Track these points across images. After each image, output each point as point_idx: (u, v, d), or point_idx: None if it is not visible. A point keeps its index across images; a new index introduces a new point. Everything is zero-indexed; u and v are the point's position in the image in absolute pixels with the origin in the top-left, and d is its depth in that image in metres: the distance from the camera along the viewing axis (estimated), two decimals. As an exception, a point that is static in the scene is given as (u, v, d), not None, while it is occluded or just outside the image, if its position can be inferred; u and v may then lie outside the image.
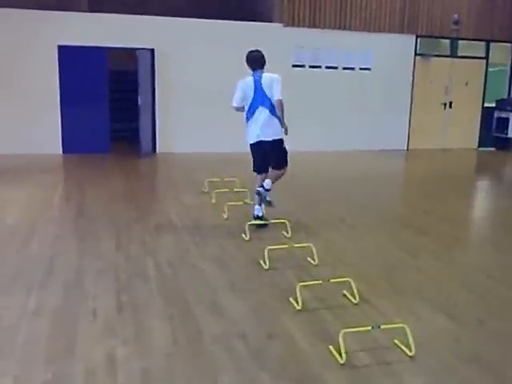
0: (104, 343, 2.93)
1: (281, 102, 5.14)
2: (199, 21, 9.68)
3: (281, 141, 5.29)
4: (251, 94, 5.19)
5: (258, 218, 5.32)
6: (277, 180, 5.40)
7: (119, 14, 9.29)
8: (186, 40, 9.70)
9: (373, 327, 3.01)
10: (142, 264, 4.16)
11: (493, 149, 11.85)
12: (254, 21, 10.08)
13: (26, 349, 2.86)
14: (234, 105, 5.32)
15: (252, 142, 5.33)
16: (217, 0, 11.08)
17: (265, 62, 5.30)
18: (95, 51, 9.25)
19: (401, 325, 3.03)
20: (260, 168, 5.43)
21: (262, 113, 5.19)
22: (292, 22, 10.11)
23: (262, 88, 5.17)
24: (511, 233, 5.62)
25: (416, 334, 3.00)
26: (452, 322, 3.41)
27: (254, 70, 5.26)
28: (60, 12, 9.05)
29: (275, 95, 5.14)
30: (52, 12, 9.00)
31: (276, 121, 5.22)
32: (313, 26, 10.23)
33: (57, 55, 9.15)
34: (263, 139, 5.24)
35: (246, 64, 5.32)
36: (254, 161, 5.45)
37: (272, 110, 5.19)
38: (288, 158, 5.39)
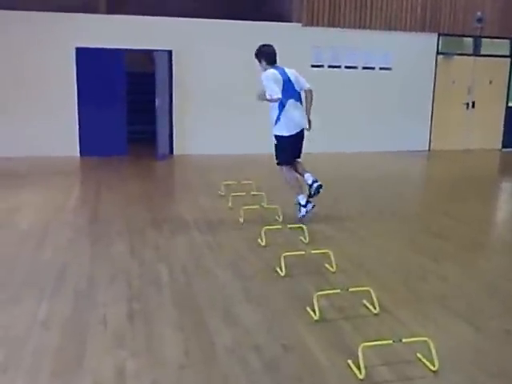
0: (113, 355, 2.84)
1: (311, 91, 5.46)
2: (217, 21, 9.60)
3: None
4: (281, 86, 5.25)
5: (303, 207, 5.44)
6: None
7: (136, 16, 9.25)
8: (204, 41, 9.62)
9: (394, 341, 2.86)
10: (156, 270, 4.07)
11: (517, 149, 11.56)
12: (273, 21, 9.96)
13: (34, 361, 2.77)
14: (279, 95, 5.21)
15: (290, 133, 5.41)
16: (235, 1, 10.98)
17: (277, 54, 5.47)
18: (113, 53, 9.23)
19: (424, 338, 2.87)
20: (292, 158, 5.57)
21: (296, 104, 5.38)
22: (311, 21, 9.97)
23: (290, 81, 5.33)
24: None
25: (439, 347, 2.85)
26: (477, 333, 3.24)
27: (272, 64, 5.39)
28: (78, 14, 9.04)
29: (306, 85, 5.43)
30: (70, 14, 9.00)
31: (304, 110, 5.47)
32: (332, 25, 10.07)
33: (75, 57, 9.15)
34: (303, 128, 5.46)
35: (257, 59, 5.45)
36: (285, 153, 5.49)
37: (301, 101, 5.45)
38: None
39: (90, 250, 4.49)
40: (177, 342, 3.00)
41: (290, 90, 5.30)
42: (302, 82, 5.42)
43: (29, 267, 4.08)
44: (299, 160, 5.62)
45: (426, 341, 2.85)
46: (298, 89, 5.38)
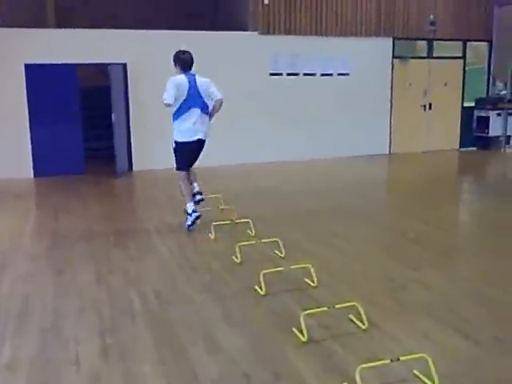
0: (89, 399, 2.58)
1: (222, 101, 5.46)
2: (172, 32, 9.35)
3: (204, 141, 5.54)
4: (185, 93, 5.31)
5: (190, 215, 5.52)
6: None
7: (88, 29, 8.91)
8: (159, 53, 9.31)
9: (392, 360, 2.71)
10: (127, 297, 3.80)
11: (474, 148, 11.75)
12: (230, 30, 9.81)
13: (-1, 413, 2.49)
14: (168, 102, 5.35)
15: (185, 140, 5.44)
16: (190, 11, 10.79)
17: (193, 62, 5.52)
18: (64, 68, 8.84)
19: (421, 355, 2.73)
20: (188, 166, 5.66)
21: (197, 112, 5.38)
22: (267, 29, 9.86)
23: (197, 90, 5.36)
24: (505, 235, 5.42)
25: (434, 361, 2.71)
26: (468, 342, 3.15)
27: (185, 70, 5.45)
28: (26, 29, 8.63)
29: (217, 95, 5.44)
30: (17, 29, 8.58)
31: (208, 120, 5.50)
32: (289, 33, 9.99)
33: (24, 74, 8.72)
34: (200, 137, 5.44)
35: (174, 63, 5.55)
36: (180, 159, 5.58)
37: (205, 110, 5.45)
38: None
39: (52, 281, 4.16)
40: (157, 378, 2.76)
41: (194, 98, 5.35)
42: (212, 92, 5.43)
43: (-14, 304, 3.74)
44: (192, 168, 5.73)
45: (423, 357, 2.72)
46: (206, 99, 5.42)
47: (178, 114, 5.41)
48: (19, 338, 3.21)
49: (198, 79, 5.43)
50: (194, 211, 5.55)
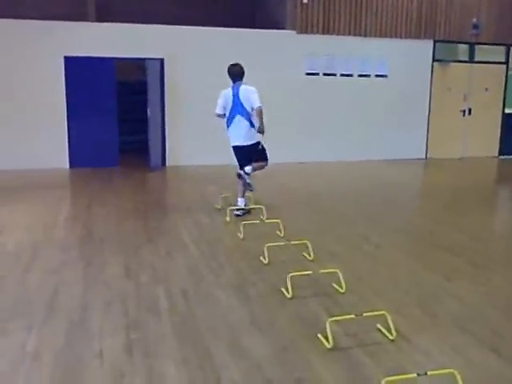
0: (111, 395, 2.58)
1: (260, 109, 5.80)
2: (210, 29, 9.38)
3: (256, 144, 6.05)
4: (229, 103, 5.94)
5: (239, 209, 6.05)
6: (258, 169, 6.17)
7: (127, 24, 9.01)
8: (197, 49, 9.39)
9: (419, 374, 2.63)
10: (153, 294, 3.80)
11: (514, 156, 11.43)
12: (267, 28, 9.77)
13: (23, 403, 2.51)
14: (216, 112, 6.06)
15: (233, 144, 6.09)
16: (229, 8, 10.79)
17: (243, 74, 5.97)
18: (103, 62, 8.97)
19: (449, 370, 2.64)
20: (240, 165, 6.11)
21: (239, 120, 5.92)
22: (305, 28, 9.78)
23: (238, 97, 5.87)
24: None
25: (463, 377, 2.62)
26: (500, 359, 3.02)
27: (233, 81, 5.98)
28: (66, 22, 8.78)
29: (254, 103, 5.79)
30: (58, 22, 8.74)
31: (249, 127, 5.94)
32: (327, 32, 9.89)
33: (63, 66, 8.87)
34: (241, 144, 6.00)
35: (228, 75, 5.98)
36: (236, 159, 6.14)
37: (248, 118, 5.91)
38: (267, 155, 6.17)
39: (82, 273, 4.21)
40: (180, 379, 2.74)
41: (237, 107, 5.91)
42: (251, 100, 5.81)
43: (17, 294, 3.79)
44: (261, 163, 6.16)
45: (452, 372, 2.63)
46: (246, 106, 5.86)
47: (227, 121, 6.06)
48: (46, 328, 3.25)
49: (241, 88, 5.88)
50: (240, 209, 6.11)
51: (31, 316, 3.41)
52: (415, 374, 2.63)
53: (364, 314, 3.25)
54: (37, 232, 5.33)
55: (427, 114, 10.89)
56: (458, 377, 2.59)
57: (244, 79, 6.00)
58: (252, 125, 5.94)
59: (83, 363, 2.86)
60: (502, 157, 11.43)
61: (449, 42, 10.76)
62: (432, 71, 10.76)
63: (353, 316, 3.24)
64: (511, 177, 9.88)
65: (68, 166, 9.12)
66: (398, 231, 5.69)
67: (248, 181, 6.07)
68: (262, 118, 5.83)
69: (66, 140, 9.08)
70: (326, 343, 3.09)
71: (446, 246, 5.18)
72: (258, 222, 5.52)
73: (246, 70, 6.04)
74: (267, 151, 6.19)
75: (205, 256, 4.70)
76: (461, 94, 11.04)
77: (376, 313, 3.28)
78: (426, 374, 2.63)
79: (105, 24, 9.01)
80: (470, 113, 11.15)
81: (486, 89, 11.14)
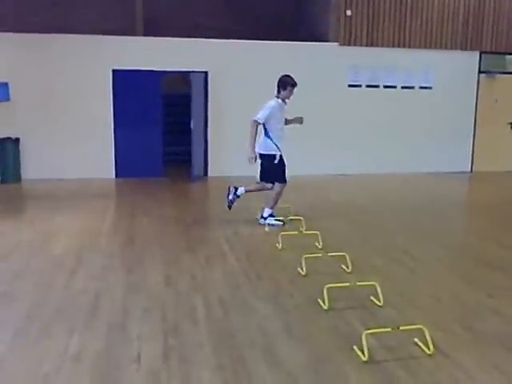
0: (147, 398, 2.64)
1: (251, 123, 6.04)
2: (253, 42, 9.51)
3: (268, 156, 6.09)
4: None
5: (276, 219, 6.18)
6: (271, 200, 6.19)
7: (172, 38, 9.25)
8: (240, 62, 9.53)
9: (455, 390, 2.58)
10: (192, 302, 3.86)
11: None
12: (310, 41, 9.82)
13: (63, 403, 2.60)
14: None
15: None
16: (271, 21, 10.91)
17: (278, 86, 6.09)
18: (149, 75, 9.22)
19: (488, 387, 2.58)
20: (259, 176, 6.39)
21: (261, 129, 6.14)
22: (348, 40, 9.78)
23: None
24: None
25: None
26: (545, 380, 2.91)
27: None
28: (115, 37, 9.09)
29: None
30: (108, 37, 9.06)
31: (264, 137, 6.10)
32: (370, 44, 9.86)
33: (111, 79, 9.18)
34: (257, 151, 6.12)
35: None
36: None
37: (264, 128, 6.09)
38: (279, 176, 6.14)
39: (124, 279, 4.33)
40: (215, 385, 2.78)
41: None
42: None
43: (61, 298, 3.93)
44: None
45: (491, 391, 2.56)
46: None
47: None
48: (87, 332, 3.35)
49: None
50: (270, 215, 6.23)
51: (73, 320, 3.53)
52: (452, 391, 2.58)
53: (401, 328, 3.21)
54: (82, 239, 5.51)
55: (473, 127, 10.65)
56: (498, 395, 2.53)
57: (278, 93, 6.10)
58: (267, 135, 6.05)
59: (121, 367, 2.94)
60: (552, 171, 11.02)
61: (496, 53, 10.51)
62: (478, 83, 10.53)
63: (389, 329, 3.20)
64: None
65: (114, 176, 9.38)
66: (441, 246, 5.57)
67: (230, 197, 6.35)
68: (252, 135, 5.97)
69: (113, 151, 9.35)
70: (361, 356, 3.06)
71: (489, 262, 5.04)
72: (296, 233, 5.53)
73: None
74: (279, 171, 6.13)
75: (243, 265, 4.74)
76: (509, 107, 10.74)
77: (413, 326, 3.23)
78: (464, 390, 2.58)
79: (151, 38, 9.28)
80: (518, 126, 10.83)
81: (536, 101, 10.80)
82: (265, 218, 6.12)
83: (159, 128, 9.51)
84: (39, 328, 3.40)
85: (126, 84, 9.21)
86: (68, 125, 9.16)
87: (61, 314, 3.64)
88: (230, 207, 6.40)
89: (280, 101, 6.08)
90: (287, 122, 6.25)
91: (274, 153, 6.05)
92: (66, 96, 9.09)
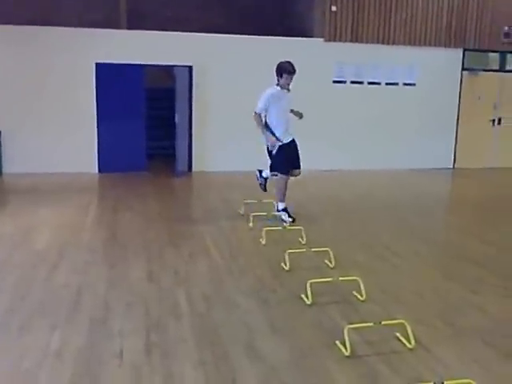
0: (129, 394, 2.63)
1: (253, 116, 5.95)
2: (238, 37, 9.48)
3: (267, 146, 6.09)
4: None
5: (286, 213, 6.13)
6: (277, 193, 6.18)
7: (157, 31, 9.17)
8: (225, 56, 9.49)
9: (435, 383, 2.61)
10: (174, 297, 3.85)
11: (545, 168, 11.16)
12: (295, 36, 9.81)
13: (44, 399, 2.58)
14: None
15: None
16: (256, 16, 10.88)
17: (276, 73, 5.96)
18: (132, 69, 9.14)
19: (467, 380, 2.61)
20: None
21: None
22: (333, 36, 9.79)
23: None
24: None
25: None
26: (524, 374, 2.96)
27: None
28: (98, 30, 8.99)
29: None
30: (90, 29, 8.95)
31: (264, 128, 6.00)
32: (355, 40, 9.88)
33: (94, 73, 9.07)
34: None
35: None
36: None
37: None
38: (278, 167, 6.08)
39: (106, 274, 4.29)
40: (197, 380, 2.77)
41: None
42: None
43: (43, 293, 3.89)
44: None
45: (470, 383, 2.59)
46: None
47: None
48: (69, 327, 3.32)
49: None
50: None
51: (55, 314, 3.50)
52: (432, 383, 2.61)
53: (383, 323, 3.24)
54: (64, 233, 5.45)
55: (455, 124, 10.76)
56: (477, 388, 2.56)
57: (277, 80, 6.00)
58: (265, 124, 5.99)
59: (103, 362, 2.92)
60: (532, 168, 11.19)
61: (479, 50, 10.61)
62: (461, 80, 10.63)
63: (371, 324, 3.22)
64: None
65: (97, 170, 9.30)
66: (424, 242, 5.62)
67: (259, 181, 6.47)
68: (259, 126, 5.94)
69: (96, 145, 9.26)
70: (343, 350, 3.08)
71: (472, 257, 5.10)
72: (280, 228, 5.54)
73: (272, 77, 6.07)
74: (277, 162, 6.08)
75: (226, 261, 4.74)
76: (491, 104, 10.86)
77: (395, 321, 3.27)
78: (443, 383, 2.61)
79: (135, 31, 9.20)
80: (499, 122, 10.96)
81: (517, 98, 10.94)
82: (279, 211, 6.14)
83: (143, 122, 9.44)
84: (20, 322, 3.37)
85: (110, 78, 9.12)
86: (51, 119, 9.04)
87: (42, 308, 3.61)
88: (263, 189, 6.54)
89: (279, 88, 5.93)
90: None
91: (271, 142, 5.99)
92: (48, 89, 8.98)
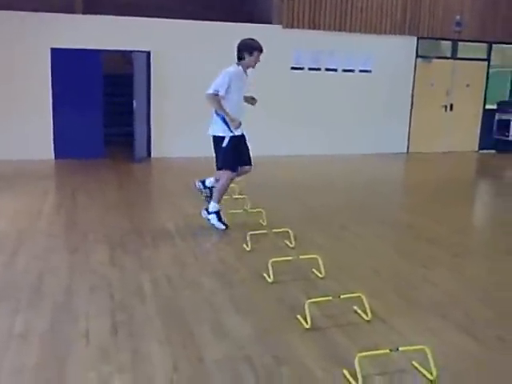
0: (98, 370, 2.67)
1: (208, 99, 4.96)
2: (196, 22, 9.44)
3: (218, 138, 5.08)
4: None
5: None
6: (216, 191, 5.22)
7: (114, 16, 9.03)
8: (183, 42, 9.45)
9: (391, 349, 2.77)
10: (138, 280, 3.89)
11: (493, 151, 11.65)
12: (253, 22, 9.84)
13: (12, 379, 2.59)
14: None
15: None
16: (215, 1, 10.84)
17: (237, 52, 5.11)
18: (89, 54, 8.99)
19: (421, 346, 2.78)
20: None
21: None
22: (291, 23, 9.88)
23: None
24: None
25: (436, 356, 2.76)
26: (472, 340, 3.16)
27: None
28: (53, 14, 8.78)
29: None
30: (44, 14, 8.73)
31: (215, 115, 5.05)
32: (313, 27, 10.00)
33: (50, 58, 8.87)
34: (208, 133, 5.19)
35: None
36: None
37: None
38: (226, 162, 5.09)
39: (67, 260, 4.28)
40: (164, 357, 2.84)
41: None
42: None
43: (2, 277, 3.86)
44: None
45: (423, 349, 2.76)
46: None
47: None
48: (32, 311, 3.32)
49: None
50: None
51: (17, 299, 3.48)
52: (388, 350, 2.76)
53: (341, 296, 3.39)
54: (22, 220, 5.37)
55: (410, 109, 11.07)
56: (429, 353, 2.73)
57: (238, 59, 5.13)
58: (216, 112, 5.02)
59: (70, 343, 2.95)
60: (481, 151, 11.66)
61: (432, 38, 10.92)
62: (415, 67, 10.93)
63: (330, 298, 3.37)
64: (489, 171, 10.09)
65: (53, 157, 9.13)
66: (380, 223, 5.82)
67: (204, 193, 5.43)
68: (218, 107, 4.93)
69: (52, 131, 9.09)
70: (304, 324, 3.21)
71: (426, 237, 5.32)
72: (241, 211, 5.63)
73: (231, 63, 5.67)
74: (227, 156, 5.07)
75: (189, 244, 4.79)
76: (443, 90, 11.23)
77: (352, 295, 3.41)
78: (398, 349, 2.77)
79: (91, 16, 9.02)
80: (451, 108, 11.35)
81: (468, 85, 11.35)
82: (209, 213, 5.22)
83: (100, 108, 9.31)
84: (-19, 309, 3.34)
85: (66, 63, 8.93)
86: (5, 104, 8.80)
87: (3, 293, 3.58)
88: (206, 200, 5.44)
89: (240, 68, 5.04)
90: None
91: (222, 134, 5.03)
92: (1, 74, 8.73)
